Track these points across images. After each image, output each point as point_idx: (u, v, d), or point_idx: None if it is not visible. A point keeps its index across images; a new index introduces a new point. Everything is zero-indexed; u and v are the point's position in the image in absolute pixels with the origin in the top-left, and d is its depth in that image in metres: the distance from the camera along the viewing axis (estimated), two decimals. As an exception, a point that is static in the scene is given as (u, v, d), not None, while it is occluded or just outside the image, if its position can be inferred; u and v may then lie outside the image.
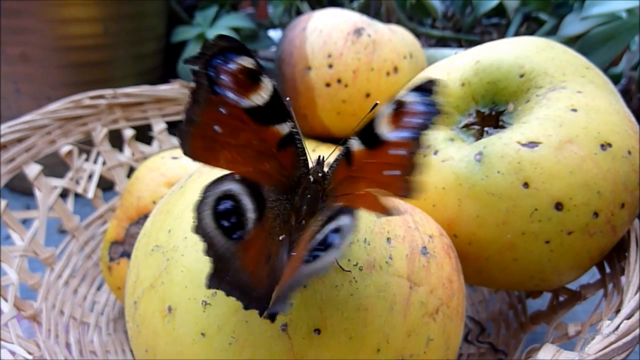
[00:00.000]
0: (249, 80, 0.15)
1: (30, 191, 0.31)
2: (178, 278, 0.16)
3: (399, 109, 0.14)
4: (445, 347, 0.18)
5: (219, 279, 0.14)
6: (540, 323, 0.26)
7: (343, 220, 0.14)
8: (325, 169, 0.17)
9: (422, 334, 0.17)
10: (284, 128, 0.16)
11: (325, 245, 0.14)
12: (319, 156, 0.17)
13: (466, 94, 0.23)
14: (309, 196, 0.16)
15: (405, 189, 0.14)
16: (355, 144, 0.16)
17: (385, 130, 0.15)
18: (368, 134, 0.15)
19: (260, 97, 0.15)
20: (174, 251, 0.17)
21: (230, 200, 0.15)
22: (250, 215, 0.16)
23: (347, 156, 0.16)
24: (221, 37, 0.15)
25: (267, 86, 0.15)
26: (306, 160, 0.17)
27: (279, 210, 0.16)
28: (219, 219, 0.15)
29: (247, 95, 0.15)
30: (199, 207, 0.15)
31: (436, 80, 0.14)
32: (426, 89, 0.14)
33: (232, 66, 0.15)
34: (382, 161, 0.15)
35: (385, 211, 0.14)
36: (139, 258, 0.19)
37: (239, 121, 0.15)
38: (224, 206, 0.15)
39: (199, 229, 0.15)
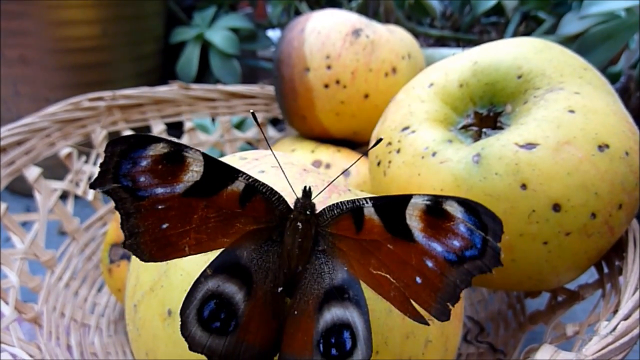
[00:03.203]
0: (171, 164, 0.14)
1: (31, 192, 0.31)
2: (177, 282, 0.17)
3: (439, 216, 0.13)
4: (444, 349, 0.18)
5: None
6: (538, 323, 0.26)
7: (353, 317, 0.14)
8: (318, 204, 0.15)
9: (421, 336, 0.17)
10: (238, 185, 0.15)
11: (337, 340, 0.14)
12: (305, 187, 0.15)
13: (464, 95, 0.23)
14: (299, 226, 0.15)
15: (436, 310, 0.13)
16: (369, 212, 0.14)
17: (416, 227, 0.13)
18: (391, 215, 0.14)
19: (194, 172, 0.14)
20: (174, 255, 0.17)
21: (212, 300, 0.14)
22: (239, 296, 0.15)
23: (356, 214, 0.14)
24: (113, 142, 0.13)
25: (195, 158, 0.14)
26: (280, 197, 0.15)
27: (269, 262, 0.15)
28: (209, 325, 0.14)
29: (178, 178, 0.14)
30: (184, 330, 0.14)
31: (497, 219, 0.12)
32: (478, 215, 0.13)
33: (144, 162, 0.13)
34: (407, 261, 0.13)
35: (417, 318, 0.13)
36: (138, 261, 0.19)
37: (184, 207, 0.14)
38: (209, 310, 0.14)
39: (195, 348, 0.14)
